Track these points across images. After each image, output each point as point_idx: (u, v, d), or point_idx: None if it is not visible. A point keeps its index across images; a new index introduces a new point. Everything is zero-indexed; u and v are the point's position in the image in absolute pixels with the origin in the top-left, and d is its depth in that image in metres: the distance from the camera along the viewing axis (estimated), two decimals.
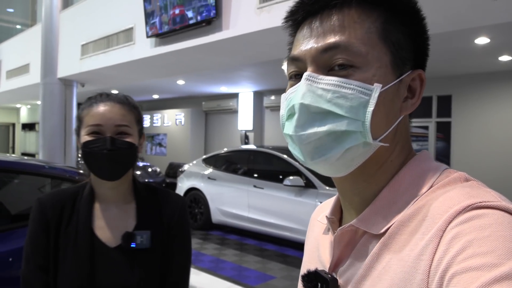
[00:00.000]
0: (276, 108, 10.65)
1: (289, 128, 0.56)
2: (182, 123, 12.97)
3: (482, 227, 0.42)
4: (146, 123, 13.62)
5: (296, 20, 0.59)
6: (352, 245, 0.57)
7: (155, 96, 13.45)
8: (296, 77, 0.58)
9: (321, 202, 0.80)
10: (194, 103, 13.14)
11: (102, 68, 7.04)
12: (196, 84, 10.42)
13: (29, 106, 17.65)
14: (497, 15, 3.71)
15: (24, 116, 18.44)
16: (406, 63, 0.56)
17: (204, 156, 7.51)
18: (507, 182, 7.01)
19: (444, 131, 8.12)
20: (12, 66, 10.64)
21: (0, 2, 15.41)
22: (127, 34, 6.38)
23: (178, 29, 5.27)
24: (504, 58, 6.28)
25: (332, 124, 0.52)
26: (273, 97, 10.82)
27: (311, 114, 0.53)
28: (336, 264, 0.58)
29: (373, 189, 0.57)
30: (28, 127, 17.99)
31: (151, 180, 9.30)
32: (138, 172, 9.30)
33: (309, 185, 5.41)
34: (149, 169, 10.01)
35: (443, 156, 8.06)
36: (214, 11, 4.73)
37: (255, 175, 6.31)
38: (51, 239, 1.09)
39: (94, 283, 1.07)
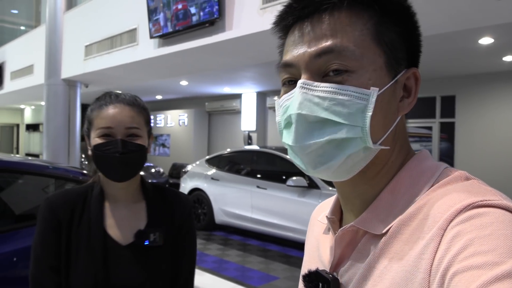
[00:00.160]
0: None
1: (287, 137, 0.55)
2: (185, 123, 12.99)
3: (483, 225, 0.42)
4: None
5: (286, 25, 0.58)
6: (353, 245, 0.57)
7: (159, 97, 13.48)
8: (290, 83, 0.57)
9: None
10: (197, 104, 13.15)
11: (106, 68, 7.07)
12: (199, 85, 10.44)
13: (33, 107, 17.73)
14: (501, 15, 3.69)
15: (28, 116, 18.52)
16: (401, 63, 0.55)
17: (207, 157, 7.51)
18: (511, 183, 6.98)
19: (447, 131, 8.09)
20: (16, 67, 10.69)
21: (4, 4, 15.49)
22: (130, 35, 6.40)
23: (182, 29, 5.28)
24: (508, 58, 6.26)
25: (332, 132, 0.51)
26: (276, 98, 10.57)
27: (309, 124, 0.52)
28: (337, 264, 0.58)
29: (373, 190, 0.57)
30: (32, 127, 18.06)
31: (154, 181, 9.31)
32: (141, 173, 9.30)
33: (312, 185, 5.40)
34: (152, 170, 10.03)
35: (447, 157, 8.03)
36: (217, 7, 4.74)
37: (258, 176, 6.31)
38: (63, 238, 1.09)
39: (109, 281, 1.07)
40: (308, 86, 0.52)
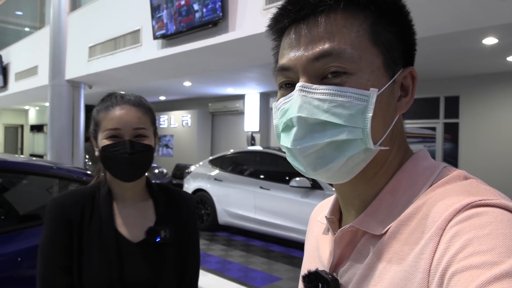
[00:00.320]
0: None
1: (286, 140, 0.54)
2: (189, 124, 13.01)
3: (482, 225, 0.42)
4: None
5: (282, 27, 0.57)
6: (352, 245, 0.57)
7: (162, 98, 13.51)
8: (287, 86, 0.57)
9: None
10: (201, 105, 13.17)
11: (109, 69, 7.09)
12: (202, 86, 10.45)
13: (37, 108, 17.82)
14: (505, 15, 3.67)
15: (33, 117, 18.61)
16: (398, 63, 0.55)
17: (210, 157, 7.52)
18: None
19: (451, 132, 8.07)
20: (20, 68, 10.75)
21: (9, 6, 15.57)
22: (134, 36, 6.42)
23: (185, 30, 5.29)
24: None
25: (332, 134, 0.51)
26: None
27: (309, 126, 0.52)
28: (336, 264, 0.58)
29: (372, 190, 0.57)
30: (37, 128, 18.15)
31: (157, 181, 9.32)
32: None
33: (315, 186, 5.40)
34: (156, 170, 10.05)
35: (451, 157, 8.01)
36: (219, 3, 4.74)
37: (262, 176, 6.31)
38: (75, 238, 1.10)
39: (123, 279, 1.08)
40: (307, 89, 0.52)
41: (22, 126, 19.87)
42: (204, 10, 4.94)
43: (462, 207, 0.45)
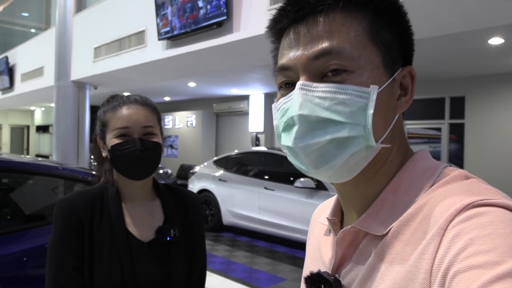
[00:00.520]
0: None
1: (287, 139, 0.54)
2: (193, 125, 13.04)
3: (484, 225, 0.42)
4: None
5: (281, 28, 0.57)
6: (354, 246, 0.57)
7: (167, 98, 13.55)
8: (287, 86, 0.57)
9: None
10: (205, 105, 13.19)
11: (115, 70, 7.12)
12: (207, 86, 10.47)
13: (43, 109, 17.93)
14: (511, 15, 3.65)
15: (38, 118, 18.73)
16: (397, 62, 0.56)
17: (215, 158, 7.53)
18: None
19: (457, 132, 8.02)
20: (26, 69, 10.82)
21: (15, 7, 15.69)
22: (139, 37, 6.45)
23: (189, 31, 5.31)
24: None
25: (334, 132, 0.51)
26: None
27: (311, 124, 0.52)
28: (338, 265, 0.58)
29: (373, 190, 0.56)
30: (42, 129, 18.26)
31: (162, 182, 9.35)
32: None
33: (320, 187, 5.39)
34: (160, 171, 10.08)
35: (456, 158, 7.96)
36: (224, 0, 4.75)
37: (266, 177, 6.31)
38: (85, 239, 1.10)
39: (135, 278, 1.09)
40: (307, 87, 0.52)
41: (28, 127, 20.00)
42: (209, 7, 4.94)
43: (464, 207, 0.45)
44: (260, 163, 6.68)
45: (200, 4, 5.09)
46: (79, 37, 7.96)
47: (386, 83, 0.53)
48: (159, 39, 5.81)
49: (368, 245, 0.54)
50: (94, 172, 2.86)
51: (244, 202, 6.45)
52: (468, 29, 4.16)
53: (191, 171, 7.70)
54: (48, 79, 9.23)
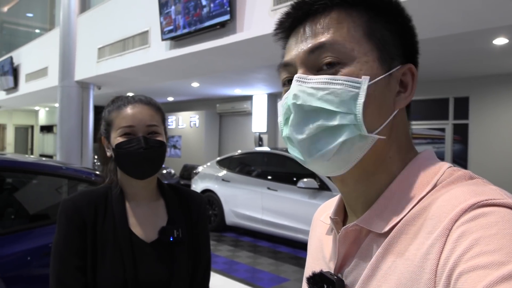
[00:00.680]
0: None
1: (285, 130, 0.57)
2: (197, 125, 13.05)
3: (489, 225, 0.42)
4: None
5: (285, 28, 0.61)
6: (357, 245, 0.56)
7: (170, 99, 13.58)
8: (289, 82, 0.59)
9: None
10: (209, 105, 13.21)
11: (118, 71, 7.14)
12: (210, 87, 10.48)
13: (47, 109, 18.01)
14: None
15: (43, 118, 18.81)
16: (395, 58, 0.57)
17: (218, 158, 7.54)
18: None
19: (461, 133, 7.99)
20: (31, 70, 10.87)
21: (19, 8, 15.77)
22: (142, 37, 6.46)
23: (193, 31, 5.31)
24: None
25: (325, 120, 0.53)
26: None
27: (304, 113, 0.54)
28: (341, 265, 0.58)
29: (375, 189, 0.57)
30: (46, 129, 18.34)
31: (165, 182, 9.37)
32: None
33: (323, 187, 5.38)
34: (164, 171, 10.09)
35: (460, 159, 7.93)
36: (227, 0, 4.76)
37: (269, 177, 6.31)
38: (89, 238, 1.10)
39: (137, 279, 1.09)
40: (303, 79, 0.55)
41: (32, 127, 20.09)
42: (212, 5, 4.95)
43: (469, 207, 0.44)
44: (263, 163, 6.68)
45: (204, 2, 5.09)
46: (83, 37, 7.99)
47: (380, 77, 0.54)
48: (163, 39, 5.82)
49: (371, 244, 0.54)
50: (97, 172, 2.87)
51: (247, 202, 6.45)
52: (472, 29, 4.14)
53: (194, 171, 7.71)
54: (52, 79, 9.27)
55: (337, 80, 0.53)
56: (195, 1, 5.24)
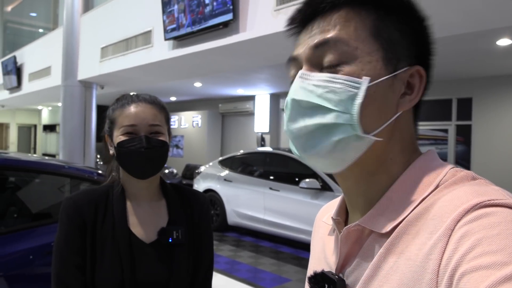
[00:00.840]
0: None
1: (285, 126, 0.58)
2: (199, 125, 13.07)
3: (491, 225, 0.41)
4: None
5: (296, 24, 0.61)
6: (359, 245, 0.56)
7: (173, 98, 13.59)
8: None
9: None
10: (211, 105, 13.22)
11: (121, 70, 7.15)
12: (213, 86, 10.49)
13: (50, 108, 18.07)
14: None
15: (46, 117, 18.87)
16: (402, 59, 0.56)
17: (220, 158, 7.54)
18: None
19: (464, 134, 7.97)
20: (34, 69, 10.90)
21: (23, 7, 15.83)
22: (145, 37, 6.47)
23: (196, 31, 5.32)
24: None
25: (321, 118, 0.53)
26: None
27: (302, 109, 0.55)
28: (343, 265, 0.58)
29: (377, 189, 0.56)
30: (49, 128, 18.40)
31: (167, 182, 9.39)
32: None
33: (325, 187, 5.38)
34: (166, 171, 10.11)
35: (463, 160, 7.91)
36: (230, 2, 4.76)
37: (271, 177, 6.31)
38: (88, 237, 1.10)
39: (135, 279, 1.09)
40: (305, 76, 0.56)
41: (35, 126, 20.16)
42: (215, 3, 4.95)
43: (471, 207, 0.44)
44: (265, 163, 6.67)
45: (207, 0, 5.09)
46: (86, 37, 8.01)
47: (383, 78, 0.54)
48: (166, 38, 5.82)
49: (373, 244, 0.54)
50: (100, 171, 2.87)
51: (249, 202, 6.45)
52: (476, 30, 4.13)
53: (197, 171, 7.72)
54: (55, 79, 9.30)
55: (337, 79, 0.53)
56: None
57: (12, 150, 19.19)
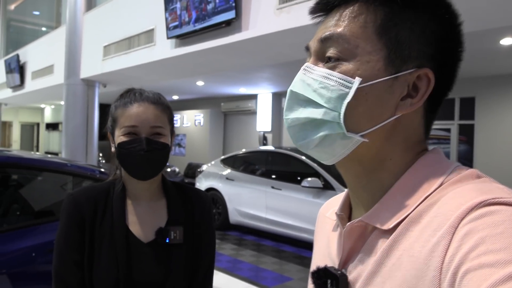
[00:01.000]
0: None
1: (284, 113, 0.60)
2: (201, 123, 13.07)
3: (495, 223, 0.41)
4: None
5: (319, 14, 0.62)
6: (362, 241, 0.56)
7: (175, 97, 13.60)
8: None
9: None
10: (213, 104, 13.22)
11: (123, 69, 7.16)
12: (215, 85, 10.49)
13: (53, 106, 18.11)
14: None
15: (48, 116, 18.91)
16: (407, 61, 0.54)
17: (222, 157, 7.54)
18: None
19: (467, 133, 7.94)
20: (37, 67, 10.93)
21: (26, 6, 15.86)
22: (148, 36, 6.47)
23: (198, 30, 5.31)
24: None
25: (311, 112, 0.55)
26: None
27: (296, 101, 0.57)
28: (345, 260, 0.58)
29: (379, 185, 0.56)
30: (52, 126, 18.44)
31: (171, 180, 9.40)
32: None
33: (327, 186, 5.37)
34: (168, 169, 10.12)
35: (466, 159, 7.89)
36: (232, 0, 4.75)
37: (273, 176, 6.31)
38: (86, 234, 1.10)
39: (131, 278, 1.09)
40: (308, 69, 0.57)
41: (38, 124, 20.22)
42: (217, 1, 4.94)
43: (475, 205, 0.44)
44: (267, 162, 6.67)
45: None
46: (89, 35, 8.02)
47: (377, 80, 0.53)
48: (168, 36, 5.82)
49: (376, 240, 0.54)
50: (102, 169, 2.88)
51: (251, 201, 6.45)
52: (479, 29, 4.11)
53: (199, 170, 7.73)
54: (58, 77, 9.31)
55: (332, 76, 0.54)
56: None
57: (15, 148, 19.26)
